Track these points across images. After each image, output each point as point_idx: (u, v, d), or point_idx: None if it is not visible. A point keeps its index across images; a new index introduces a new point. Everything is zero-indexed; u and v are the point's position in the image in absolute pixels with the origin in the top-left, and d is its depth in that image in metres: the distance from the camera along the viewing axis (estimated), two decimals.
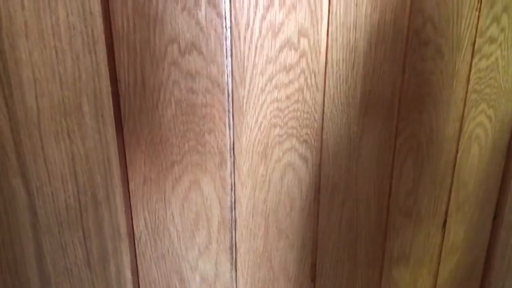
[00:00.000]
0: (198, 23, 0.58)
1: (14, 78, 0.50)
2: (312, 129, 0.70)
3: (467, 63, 0.79)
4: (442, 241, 0.92)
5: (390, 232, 0.85)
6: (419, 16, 0.71)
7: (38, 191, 0.55)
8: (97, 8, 0.52)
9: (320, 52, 0.67)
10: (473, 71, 0.80)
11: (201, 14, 0.58)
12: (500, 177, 0.93)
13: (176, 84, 0.59)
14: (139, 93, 0.58)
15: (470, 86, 0.81)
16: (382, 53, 0.71)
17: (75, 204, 0.58)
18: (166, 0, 0.55)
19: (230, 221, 0.70)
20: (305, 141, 0.71)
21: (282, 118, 0.68)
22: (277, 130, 0.68)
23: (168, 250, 0.67)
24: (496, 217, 0.96)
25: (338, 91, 0.70)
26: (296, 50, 0.65)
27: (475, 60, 0.79)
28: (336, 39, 0.67)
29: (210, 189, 0.66)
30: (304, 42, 0.65)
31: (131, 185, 0.61)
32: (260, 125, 0.67)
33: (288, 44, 0.64)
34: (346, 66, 0.69)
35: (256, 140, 0.67)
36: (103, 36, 0.53)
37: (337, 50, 0.68)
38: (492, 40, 0.80)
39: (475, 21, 0.77)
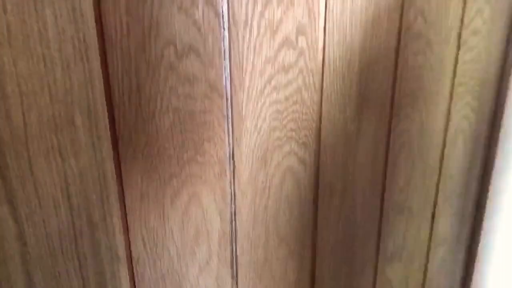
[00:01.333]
0: (195, 23, 0.53)
1: None
2: (310, 131, 0.67)
3: (453, 56, 0.79)
4: (431, 233, 0.92)
5: (384, 229, 0.84)
6: (411, 10, 0.70)
7: (28, 218, 0.49)
8: (88, 10, 0.46)
9: (317, 50, 0.64)
10: (459, 63, 0.80)
11: (198, 13, 0.53)
12: (482, 168, 0.94)
13: (173, 90, 0.54)
14: (135, 102, 0.52)
15: (456, 79, 0.81)
16: (376, 49, 0.69)
17: (69, 229, 0.52)
18: (161, 0, 0.50)
19: (231, 234, 0.66)
20: (304, 143, 0.67)
21: (281, 120, 0.64)
22: (277, 134, 0.64)
23: (168, 270, 0.62)
24: (479, 206, 0.97)
25: (335, 90, 0.67)
26: (294, 49, 0.62)
27: (461, 52, 0.79)
28: (333, 36, 0.64)
29: (210, 201, 0.62)
30: (302, 40, 0.62)
31: (128, 203, 0.56)
32: (260, 129, 0.63)
33: (286, 42, 0.61)
34: (342, 64, 0.67)
35: (256, 146, 0.63)
36: (96, 41, 0.47)
37: (333, 47, 0.65)
38: (475, 32, 0.80)
39: (461, 13, 0.76)
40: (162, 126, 0.55)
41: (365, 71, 0.69)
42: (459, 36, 0.78)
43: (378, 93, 0.72)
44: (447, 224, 0.94)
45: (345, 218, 0.77)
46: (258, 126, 0.62)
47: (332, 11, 0.63)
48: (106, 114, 0.50)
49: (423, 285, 0.97)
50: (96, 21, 0.47)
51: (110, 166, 0.52)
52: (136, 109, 0.53)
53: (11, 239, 0.49)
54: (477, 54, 0.82)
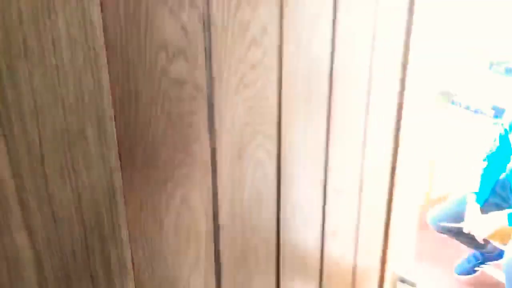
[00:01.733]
0: (183, 26, 0.54)
1: (14, 108, 0.40)
2: (274, 123, 0.72)
3: (370, 45, 0.89)
4: (359, 208, 1.03)
5: (327, 209, 0.92)
6: (341, 7, 0.78)
7: (45, 242, 0.46)
8: (96, 17, 0.45)
9: (277, 47, 0.68)
10: (374, 52, 0.90)
11: (185, 16, 0.54)
12: (392, 147, 1.07)
13: (166, 94, 0.55)
14: (134, 109, 0.52)
15: (373, 66, 0.91)
16: (318, 44, 0.76)
17: (82, 247, 0.49)
18: (155, 4, 0.50)
19: (214, 230, 0.67)
20: (269, 135, 0.72)
21: (252, 115, 0.68)
22: (249, 129, 0.68)
23: (164, 276, 0.61)
24: (392, 181, 1.11)
25: (290, 84, 0.73)
26: (260, 47, 0.65)
27: (376, 42, 0.90)
28: (288, 34, 0.69)
29: (197, 201, 0.63)
30: (266, 39, 0.66)
31: (129, 213, 0.55)
32: (236, 126, 0.65)
33: (254, 42, 0.64)
34: (295, 60, 0.72)
35: (233, 142, 0.66)
36: (104, 49, 0.46)
37: (288, 44, 0.70)
38: (385, 24, 0.91)
39: (375, 7, 0.87)
40: (157, 130, 0.55)
41: (311, 63, 0.76)
42: (374, 28, 0.89)
43: (319, 82, 0.79)
44: (370, 199, 1.06)
45: (301, 201, 0.83)
46: (234, 123, 0.65)
47: (287, 10, 0.68)
48: (114, 123, 0.49)
49: (355, 256, 1.07)
50: (104, 29, 0.45)
51: (118, 177, 0.51)
52: (135, 116, 0.52)
53: (29, 267, 0.45)
54: (387, 42, 0.93)
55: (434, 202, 2.72)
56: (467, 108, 3.23)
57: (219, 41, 0.59)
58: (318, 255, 0.94)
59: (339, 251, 1.00)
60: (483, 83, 3.36)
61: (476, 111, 3.24)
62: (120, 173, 0.51)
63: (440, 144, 3.46)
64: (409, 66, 1.00)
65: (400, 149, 1.07)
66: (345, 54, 0.83)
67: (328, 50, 0.79)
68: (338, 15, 0.78)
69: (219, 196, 0.66)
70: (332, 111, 0.84)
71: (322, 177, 0.88)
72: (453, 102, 3.40)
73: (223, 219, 0.68)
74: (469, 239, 2.09)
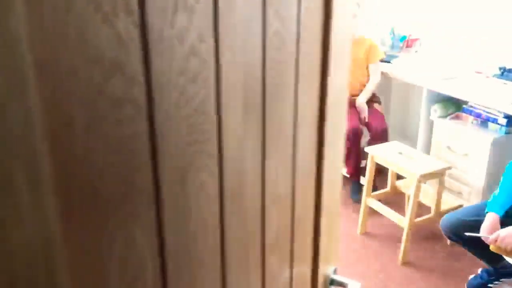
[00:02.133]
0: (118, 36, 0.45)
1: None
2: (214, 140, 0.65)
3: (294, 49, 0.86)
4: (293, 216, 1.00)
5: (266, 222, 0.87)
6: (270, 11, 0.73)
7: None
8: (21, 29, 0.34)
9: (214, 56, 0.61)
10: (300, 55, 0.87)
11: (120, 24, 0.45)
12: (317, 148, 1.05)
13: (104, 117, 0.45)
14: (68, 140, 0.42)
15: (299, 69, 0.88)
16: (251, 50, 0.71)
17: None
18: (86, 11, 0.41)
19: (162, 270, 0.59)
20: (211, 154, 0.65)
21: (193, 134, 0.60)
22: (191, 149, 0.60)
23: None
24: (318, 183, 1.09)
25: (229, 98, 0.66)
26: (198, 56, 0.58)
27: (300, 45, 0.87)
28: (224, 41, 0.63)
29: (143, 238, 0.54)
30: (203, 47, 0.59)
31: (70, 270, 0.44)
32: (178, 148, 0.57)
33: (192, 51, 0.57)
34: (232, 68, 0.66)
35: (176, 166, 0.58)
36: (32, 70, 0.36)
37: (225, 52, 0.64)
38: (306, 28, 0.88)
39: (297, 12, 0.84)
40: (95, 163, 0.45)
41: (248, 74, 0.70)
42: (298, 31, 0.85)
43: (254, 92, 0.74)
44: (300, 208, 1.03)
45: (242, 221, 0.77)
46: (177, 144, 0.57)
47: (222, 15, 0.61)
48: (48, 161, 0.39)
49: (291, 265, 1.04)
50: (31, 45, 0.35)
51: (55, 227, 0.40)
52: (70, 147, 0.42)
53: None
54: (308, 46, 0.91)
55: (443, 214, 2.65)
56: (479, 116, 3.10)
57: (157, 52, 0.51)
58: (259, 265, 0.89)
59: (277, 263, 0.96)
60: (494, 90, 3.18)
61: (487, 119, 3.12)
62: (58, 223, 0.41)
63: (451, 152, 3.35)
64: (328, 71, 0.99)
65: (323, 154, 1.06)
66: (274, 60, 0.78)
67: (260, 56, 0.73)
68: (268, 19, 0.73)
69: (165, 230, 0.57)
70: (266, 120, 0.79)
71: (259, 188, 0.82)
72: (464, 110, 3.29)
73: (170, 253, 0.59)
74: (482, 251, 2.01)
